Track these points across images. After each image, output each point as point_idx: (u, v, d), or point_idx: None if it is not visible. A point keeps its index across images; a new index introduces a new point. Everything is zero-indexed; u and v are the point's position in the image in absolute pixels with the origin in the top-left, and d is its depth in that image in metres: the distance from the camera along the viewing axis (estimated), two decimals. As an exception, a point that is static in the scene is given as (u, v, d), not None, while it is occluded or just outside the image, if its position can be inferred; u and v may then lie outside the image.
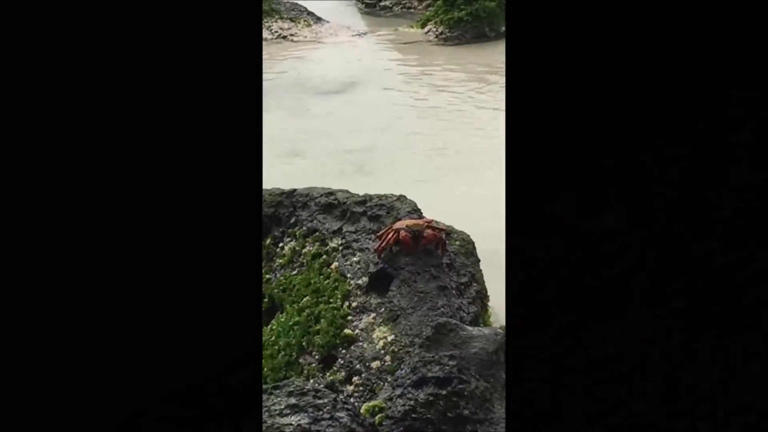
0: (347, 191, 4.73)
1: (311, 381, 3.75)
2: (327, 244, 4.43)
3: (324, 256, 4.38)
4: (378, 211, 4.47)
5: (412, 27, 12.53)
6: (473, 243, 4.49)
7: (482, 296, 4.33)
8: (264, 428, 2.53)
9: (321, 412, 2.73)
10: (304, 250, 4.48)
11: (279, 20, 12.55)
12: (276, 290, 4.36)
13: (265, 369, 3.94)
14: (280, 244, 4.62)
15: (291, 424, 2.66)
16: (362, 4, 14.30)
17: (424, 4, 13.38)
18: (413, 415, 3.01)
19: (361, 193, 4.68)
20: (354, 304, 4.01)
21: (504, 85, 9.61)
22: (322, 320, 3.98)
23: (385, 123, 8.33)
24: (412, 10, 13.65)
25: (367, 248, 4.25)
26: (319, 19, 12.90)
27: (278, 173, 5.99)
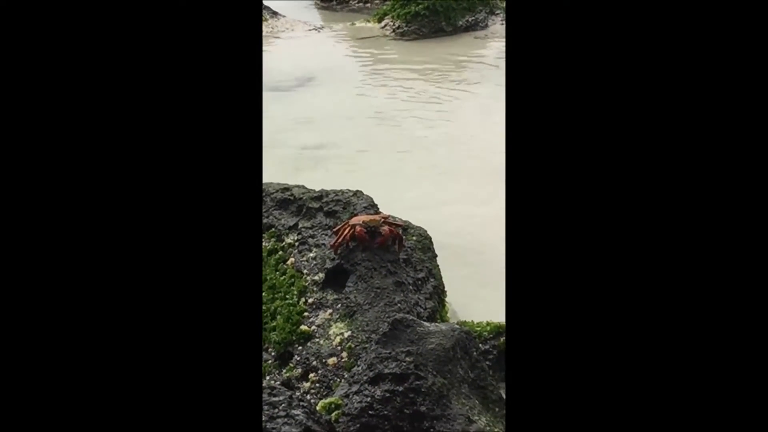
0: (303, 187, 4.70)
1: (267, 378, 3.72)
2: (283, 240, 4.40)
3: (280, 252, 4.35)
4: (334, 206, 4.45)
5: (368, 21, 12.49)
6: (430, 238, 4.48)
7: (439, 292, 4.33)
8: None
9: (276, 410, 2.70)
10: (259, 246, 4.45)
11: (235, 14, 12.40)
12: (231, 287, 4.31)
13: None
14: (236, 241, 4.57)
15: (246, 423, 2.62)
16: (318, -2, 14.25)
17: (380, -2, 13.37)
18: (370, 412, 2.99)
19: (317, 189, 4.65)
20: (310, 300, 3.98)
21: (462, 76, 9.66)
22: (278, 316, 3.95)
23: (342, 118, 8.30)
24: (369, 5, 13.62)
25: (324, 244, 4.23)
26: (275, 14, 12.80)
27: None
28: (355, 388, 3.09)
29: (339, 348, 3.68)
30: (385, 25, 12.07)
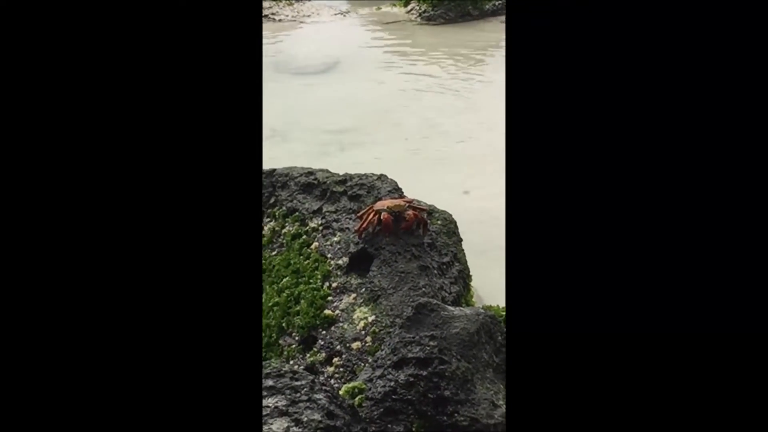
0: (327, 171, 4.67)
1: (291, 362, 3.70)
2: (307, 224, 4.38)
3: (304, 237, 4.33)
4: (358, 190, 4.41)
5: (395, 6, 12.44)
6: (455, 222, 4.43)
7: (465, 276, 4.28)
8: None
9: (298, 394, 2.68)
10: (283, 231, 4.42)
11: (260, -1, 12.42)
12: (255, 271, 4.30)
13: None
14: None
15: (268, 407, 2.61)
16: (344, -18, 14.19)
17: (407, -18, 13.28)
18: (393, 396, 2.97)
19: (341, 173, 4.62)
20: (334, 285, 3.96)
21: (488, 62, 9.57)
22: (302, 301, 3.93)
23: (366, 103, 8.27)
24: (395, -11, 13.56)
25: (348, 228, 4.20)
26: (300, -2, 12.79)
27: (258, 153, 5.90)
28: (378, 372, 3.07)
29: (363, 332, 3.65)
30: (411, 10, 12.00)
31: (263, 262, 4.31)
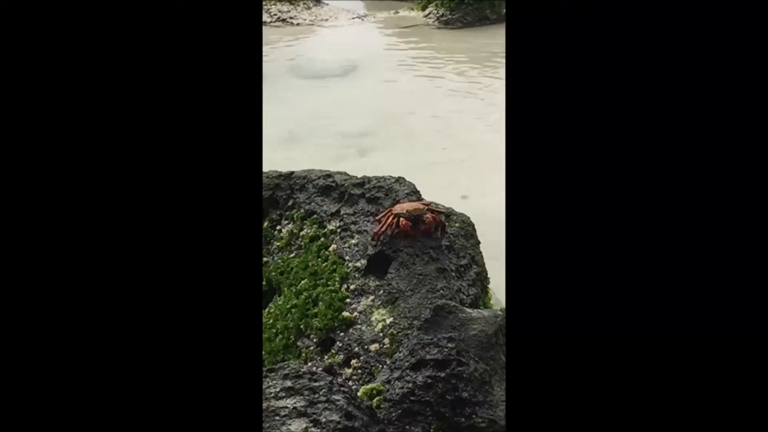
0: (345, 173, 4.68)
1: (309, 364, 3.71)
2: (325, 227, 4.38)
3: (322, 239, 4.33)
4: (376, 193, 4.41)
5: (412, 10, 12.45)
6: (473, 225, 4.43)
7: (482, 278, 4.28)
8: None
9: (317, 395, 2.69)
10: (302, 233, 4.44)
11: (278, 3, 12.46)
12: (274, 273, 4.32)
13: (263, 352, 3.91)
14: (278, 227, 4.57)
15: (286, 407, 2.62)
16: (362, -13, 14.23)
17: (424, -13, 13.30)
18: (411, 398, 2.97)
19: (359, 175, 4.62)
20: (352, 287, 3.97)
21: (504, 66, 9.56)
22: (320, 303, 3.94)
23: (385, 107, 8.28)
24: (413, -7, 13.58)
25: (366, 230, 4.20)
26: (318, 2, 12.83)
27: (277, 158, 5.95)
28: (396, 374, 3.07)
29: (381, 334, 3.66)
30: (429, 14, 12.01)
31: (281, 264, 4.32)
